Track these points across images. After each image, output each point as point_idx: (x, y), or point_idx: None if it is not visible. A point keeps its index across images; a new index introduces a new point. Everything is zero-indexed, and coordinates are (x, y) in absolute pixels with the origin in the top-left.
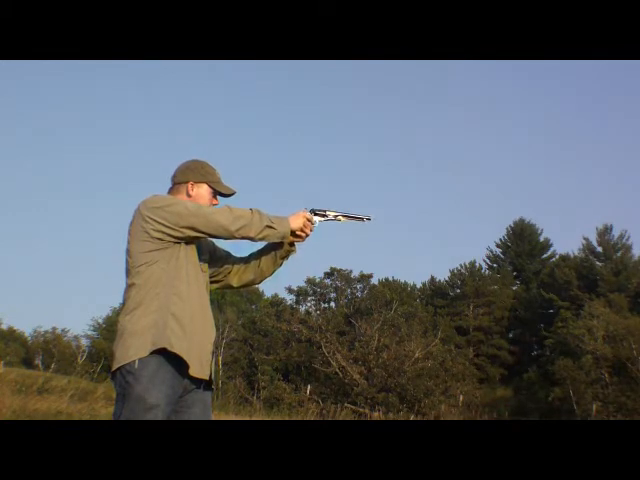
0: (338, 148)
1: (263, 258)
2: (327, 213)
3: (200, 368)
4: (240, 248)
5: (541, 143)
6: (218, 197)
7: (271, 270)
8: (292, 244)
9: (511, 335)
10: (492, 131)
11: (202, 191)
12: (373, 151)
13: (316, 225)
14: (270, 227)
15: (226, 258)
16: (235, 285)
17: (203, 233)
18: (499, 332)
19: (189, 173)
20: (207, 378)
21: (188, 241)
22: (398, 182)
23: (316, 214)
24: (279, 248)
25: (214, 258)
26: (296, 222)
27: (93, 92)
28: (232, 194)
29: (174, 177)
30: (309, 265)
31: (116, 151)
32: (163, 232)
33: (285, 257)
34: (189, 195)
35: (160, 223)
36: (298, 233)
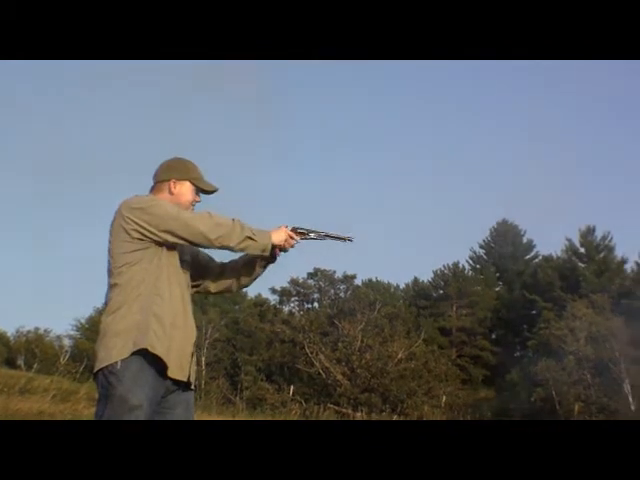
0: (321, 149)
1: (242, 267)
2: (309, 232)
3: (179, 370)
4: (221, 254)
5: (525, 144)
6: (201, 195)
7: (248, 280)
8: (272, 257)
9: (494, 336)
10: (476, 132)
11: (184, 189)
12: (357, 151)
13: (297, 242)
14: (251, 239)
15: (207, 263)
16: (213, 291)
17: (182, 239)
18: (482, 333)
19: (171, 171)
20: (186, 380)
21: (169, 244)
22: (381, 183)
23: (298, 232)
24: (259, 259)
25: (195, 261)
26: (277, 237)
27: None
28: (214, 191)
29: (156, 175)
30: (293, 265)
31: (93, 149)
32: (143, 234)
33: (264, 268)
34: (171, 193)
35: (140, 225)
36: (277, 247)
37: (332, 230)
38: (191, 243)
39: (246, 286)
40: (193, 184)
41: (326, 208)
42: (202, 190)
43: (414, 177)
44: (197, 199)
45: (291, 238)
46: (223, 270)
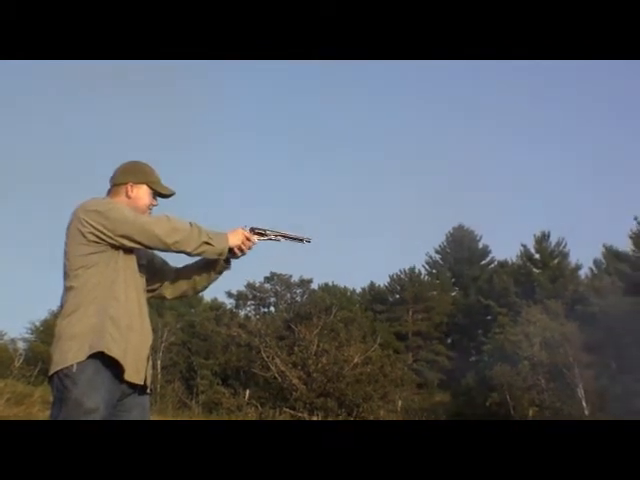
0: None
1: (197, 272)
2: (267, 232)
3: (135, 373)
4: (177, 258)
5: (482, 149)
6: (158, 199)
7: (204, 284)
8: (228, 261)
9: (450, 341)
10: (432, 133)
11: (141, 192)
12: (312, 151)
13: (255, 244)
14: (208, 243)
15: (162, 267)
16: (168, 296)
17: (138, 243)
18: (438, 338)
19: (128, 174)
20: (142, 383)
21: (126, 248)
22: (339, 186)
23: (255, 233)
24: (215, 263)
25: (151, 266)
26: (234, 239)
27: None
28: (171, 195)
29: (113, 178)
30: (249, 269)
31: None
32: (99, 237)
33: (220, 273)
34: (128, 196)
35: (96, 228)
36: (235, 251)
37: (290, 231)
38: (148, 247)
39: (202, 290)
40: (150, 187)
41: (283, 210)
42: (159, 194)
43: (372, 181)
44: (154, 203)
45: (248, 240)
46: (178, 275)
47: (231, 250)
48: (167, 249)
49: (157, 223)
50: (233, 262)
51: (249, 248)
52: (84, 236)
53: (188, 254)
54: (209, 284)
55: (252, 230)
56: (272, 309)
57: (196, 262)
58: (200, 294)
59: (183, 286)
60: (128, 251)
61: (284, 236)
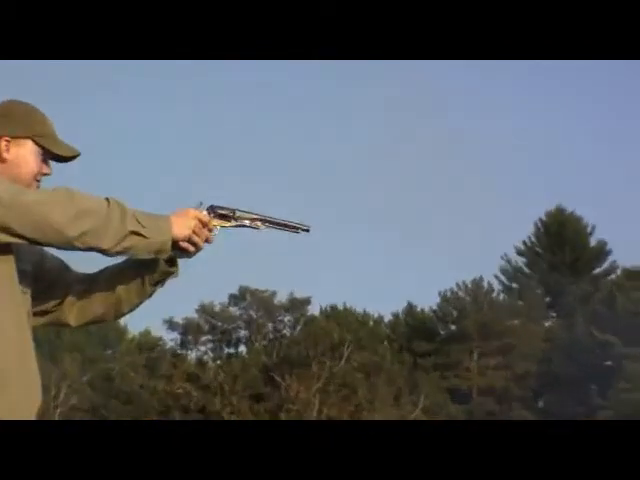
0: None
1: (122, 282)
2: (236, 215)
3: None
4: (85, 259)
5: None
6: (51, 163)
7: (134, 301)
8: (173, 261)
9: (541, 404)
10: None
11: (24, 152)
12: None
13: (215, 233)
14: (137, 234)
15: (60, 275)
16: (73, 323)
17: (20, 237)
18: (521, 399)
19: (2, 123)
20: None
21: None
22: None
23: (217, 215)
24: (150, 267)
25: (41, 274)
26: (182, 226)
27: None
28: (74, 157)
29: None
30: (204, 282)
31: None
32: None
33: (160, 282)
34: (2, 159)
35: None
36: (183, 245)
37: (276, 215)
38: (36, 243)
39: (128, 312)
40: (39, 145)
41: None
42: (54, 155)
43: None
44: (46, 170)
45: (204, 226)
46: (89, 287)
47: (176, 244)
48: (69, 245)
49: (53, 202)
50: (182, 264)
51: (207, 240)
52: None
53: (105, 253)
54: (141, 302)
55: (211, 211)
56: (242, 349)
57: (119, 265)
58: (121, 322)
59: (96, 306)
60: (1, 250)
61: (265, 221)
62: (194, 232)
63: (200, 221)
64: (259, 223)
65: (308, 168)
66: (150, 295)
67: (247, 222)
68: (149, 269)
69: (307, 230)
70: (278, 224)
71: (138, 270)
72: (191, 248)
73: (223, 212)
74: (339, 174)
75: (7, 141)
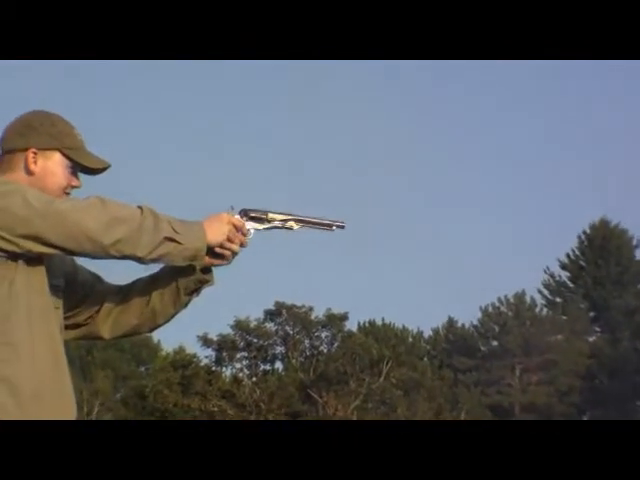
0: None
1: (157, 291)
2: (269, 217)
3: None
4: (116, 269)
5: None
6: (81, 175)
7: (170, 311)
8: (208, 269)
9: (586, 418)
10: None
11: (52, 164)
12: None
13: (250, 236)
14: (172, 240)
15: (93, 286)
16: (107, 336)
17: (54, 247)
18: (566, 415)
19: (30, 134)
20: None
21: (30, 257)
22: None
23: (250, 218)
24: (185, 274)
25: (74, 285)
26: (216, 231)
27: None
28: (104, 169)
29: (3, 142)
30: (239, 298)
31: None
32: None
33: (195, 291)
34: (30, 172)
35: None
36: (219, 251)
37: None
38: (70, 253)
39: (164, 323)
40: (67, 157)
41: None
42: (84, 167)
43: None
44: (74, 183)
45: (238, 230)
46: (124, 298)
47: (212, 250)
48: (103, 253)
49: (85, 211)
50: (218, 272)
51: (242, 245)
52: None
53: (140, 261)
54: (176, 312)
55: (244, 214)
56: (279, 365)
57: (153, 275)
58: (154, 338)
59: (131, 318)
60: (33, 264)
61: (298, 220)
62: (228, 237)
63: (234, 225)
64: (292, 223)
65: (343, 179)
66: (186, 305)
67: (280, 223)
68: (184, 278)
69: (342, 227)
70: (312, 223)
71: (173, 279)
72: (227, 253)
73: (256, 215)
74: (372, 183)
75: (34, 153)
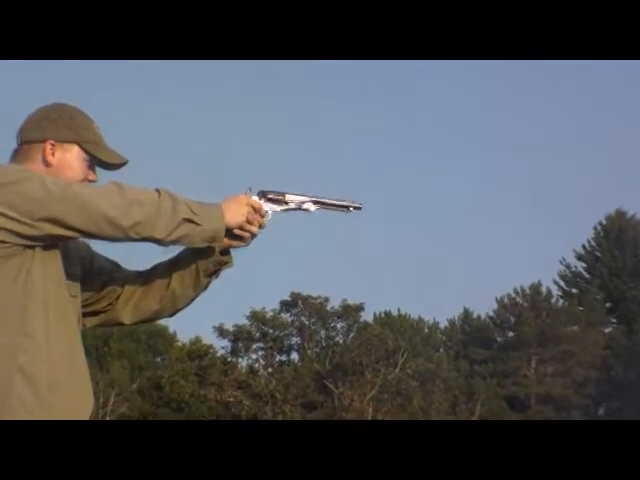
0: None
1: (176, 275)
2: (286, 198)
3: None
4: (131, 253)
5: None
6: (97, 169)
7: (190, 294)
8: (227, 251)
9: (602, 412)
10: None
11: (70, 157)
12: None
13: (268, 218)
14: (191, 221)
15: (111, 273)
16: (127, 321)
17: (73, 230)
18: (582, 407)
19: (48, 126)
20: None
21: (46, 244)
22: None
23: (268, 199)
24: (204, 256)
25: (91, 273)
26: (235, 213)
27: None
28: (121, 165)
29: (21, 133)
30: (255, 289)
31: None
32: (6, 229)
33: (214, 273)
34: (47, 163)
35: (1, 213)
36: (238, 232)
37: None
38: (89, 236)
39: (184, 307)
40: (85, 150)
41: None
42: (100, 162)
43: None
44: (91, 177)
45: (257, 212)
46: (142, 283)
47: (231, 232)
48: (123, 236)
49: (102, 193)
50: (236, 252)
51: (260, 226)
52: None
53: (159, 242)
54: (196, 295)
55: (262, 195)
56: (294, 356)
57: (172, 259)
58: (171, 330)
59: (151, 302)
60: (49, 254)
61: (316, 202)
62: (247, 219)
63: (252, 207)
64: (310, 205)
65: (358, 174)
66: (205, 287)
67: (297, 205)
68: (203, 260)
69: (359, 208)
70: (329, 204)
71: (192, 262)
72: (246, 235)
73: (273, 196)
74: (388, 181)
75: (52, 145)
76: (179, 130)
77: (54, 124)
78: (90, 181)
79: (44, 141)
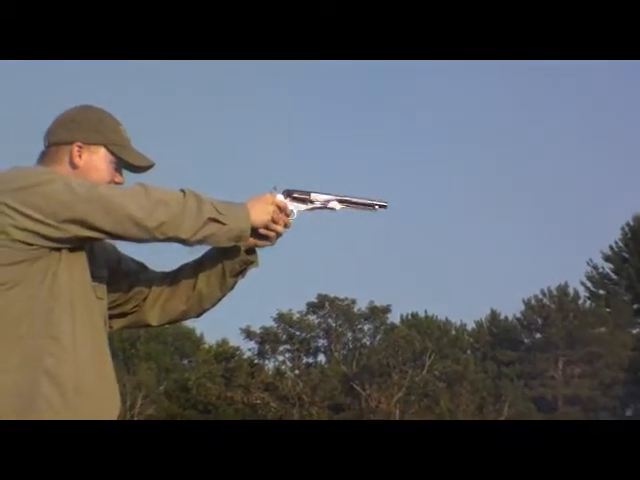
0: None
1: (202, 275)
2: (311, 197)
3: None
4: (156, 254)
5: None
6: (124, 171)
7: (216, 294)
8: (252, 250)
9: (630, 413)
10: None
11: (97, 159)
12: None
13: (293, 217)
14: (216, 221)
15: (138, 275)
16: (155, 323)
17: (99, 231)
18: (609, 409)
19: (76, 128)
20: None
21: (72, 246)
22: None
23: (294, 199)
24: (230, 257)
25: (117, 275)
26: (260, 212)
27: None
28: (148, 168)
29: (49, 135)
30: (282, 291)
31: None
32: (32, 231)
33: (240, 273)
34: (74, 165)
35: (27, 215)
36: (263, 232)
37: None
38: (115, 237)
39: (210, 307)
40: (112, 153)
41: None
42: (127, 164)
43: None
44: (118, 179)
45: (282, 211)
46: (168, 285)
47: (256, 231)
48: (148, 236)
49: (128, 195)
50: (262, 254)
51: (285, 225)
52: (6, 233)
53: (185, 242)
54: (223, 295)
55: (287, 195)
56: (321, 358)
57: (198, 259)
58: (199, 332)
59: (178, 303)
60: (75, 256)
61: (341, 201)
62: (272, 218)
63: (277, 206)
64: (335, 203)
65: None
66: (232, 287)
67: (323, 203)
68: (229, 260)
69: (385, 206)
70: (354, 203)
71: (217, 262)
72: (271, 234)
73: (298, 195)
74: (415, 176)
75: (79, 147)
76: (192, 131)
77: (81, 126)
78: (117, 183)
79: (71, 143)
